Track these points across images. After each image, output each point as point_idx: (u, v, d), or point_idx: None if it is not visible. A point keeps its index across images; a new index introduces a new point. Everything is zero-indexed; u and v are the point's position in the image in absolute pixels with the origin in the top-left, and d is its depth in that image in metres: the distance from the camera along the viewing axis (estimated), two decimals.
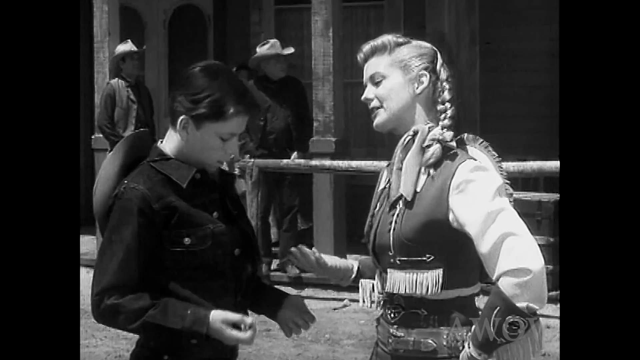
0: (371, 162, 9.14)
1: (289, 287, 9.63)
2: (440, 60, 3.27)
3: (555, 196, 8.91)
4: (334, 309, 9.15)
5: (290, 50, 10.25)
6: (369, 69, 3.27)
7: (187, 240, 3.23)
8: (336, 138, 9.82)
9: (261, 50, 10.12)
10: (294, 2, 12.32)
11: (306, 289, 9.75)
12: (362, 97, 3.29)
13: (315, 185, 9.93)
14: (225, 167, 3.46)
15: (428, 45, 3.30)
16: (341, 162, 9.38)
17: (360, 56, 3.29)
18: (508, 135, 10.38)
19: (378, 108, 3.26)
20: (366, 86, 3.29)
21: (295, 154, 9.90)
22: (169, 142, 3.34)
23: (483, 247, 3.03)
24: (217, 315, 3.21)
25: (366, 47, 3.28)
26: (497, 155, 3.24)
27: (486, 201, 3.05)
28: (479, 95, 11.24)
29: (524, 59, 11.02)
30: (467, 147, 3.23)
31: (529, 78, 10.93)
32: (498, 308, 2.99)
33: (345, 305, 9.23)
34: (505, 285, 2.98)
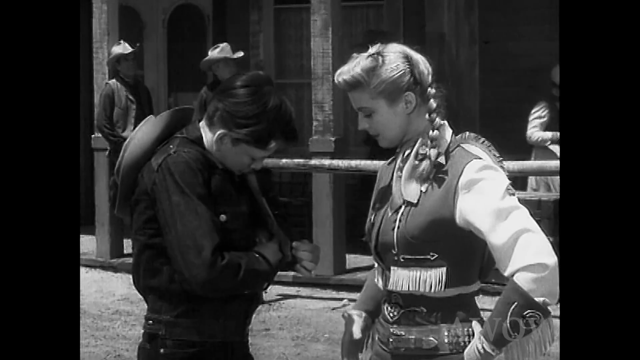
0: (371, 161, 9.14)
1: (289, 287, 9.63)
2: (420, 68, 3.20)
3: (555, 195, 8.90)
4: (333, 309, 9.16)
5: (240, 54, 10.41)
6: (353, 101, 3.23)
7: (222, 217, 3.23)
8: (335, 137, 9.82)
9: (212, 54, 10.31)
10: (293, 2, 12.32)
11: (305, 289, 9.75)
12: (359, 128, 3.27)
13: (315, 185, 9.93)
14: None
15: (399, 53, 3.20)
16: (341, 161, 9.37)
17: (337, 84, 3.24)
18: (508, 135, 10.38)
19: (377, 135, 3.25)
20: (357, 113, 3.26)
21: None
22: (205, 126, 3.35)
23: (497, 243, 3.04)
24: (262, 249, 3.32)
25: (340, 80, 3.22)
26: (498, 155, 3.24)
27: (497, 198, 3.06)
28: (478, 95, 11.23)
29: (524, 59, 11.02)
30: (468, 145, 3.22)
31: (528, 78, 10.93)
32: (516, 303, 3.00)
33: (344, 305, 9.23)
34: (522, 280, 2.99)
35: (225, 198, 3.25)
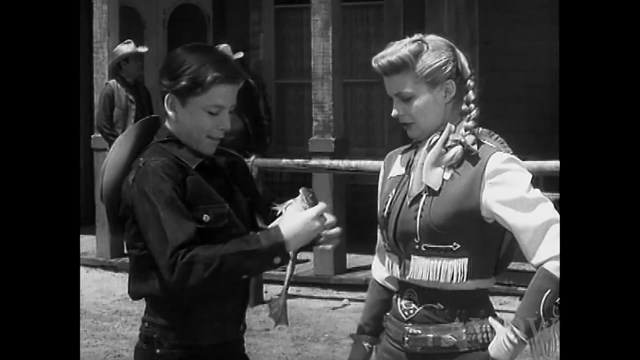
0: (371, 161, 9.14)
1: (289, 287, 9.61)
2: (461, 59, 3.24)
3: (555, 196, 8.90)
4: (334, 309, 9.16)
5: (240, 54, 10.41)
6: (392, 85, 3.20)
7: (205, 217, 3.20)
8: (335, 138, 9.82)
9: None
10: (293, 2, 12.32)
11: (305, 288, 9.75)
12: (393, 114, 3.24)
13: (315, 185, 9.93)
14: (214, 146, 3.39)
15: (446, 44, 3.23)
16: (341, 161, 9.38)
17: (377, 68, 3.19)
18: (508, 135, 10.37)
19: (411, 123, 3.23)
20: (387, 96, 3.23)
21: (254, 156, 9.90)
22: (169, 126, 3.34)
23: (526, 232, 3.06)
24: (287, 217, 3.18)
25: (383, 62, 3.17)
26: (511, 151, 3.25)
27: (524, 190, 3.10)
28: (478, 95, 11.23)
29: (524, 59, 11.02)
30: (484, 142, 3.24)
31: (528, 78, 10.93)
32: (549, 290, 3.03)
33: (344, 305, 9.23)
34: (555, 268, 3.04)
35: (205, 197, 3.21)
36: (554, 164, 8.01)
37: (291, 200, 3.29)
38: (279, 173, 11.40)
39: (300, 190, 3.27)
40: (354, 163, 9.27)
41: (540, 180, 9.93)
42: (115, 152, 3.34)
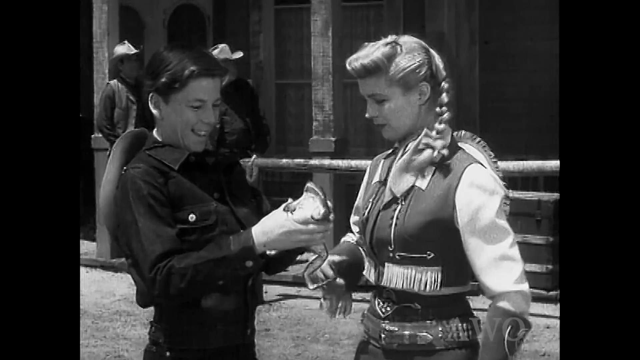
0: (371, 161, 9.12)
1: (289, 287, 9.63)
2: (435, 61, 3.21)
3: (555, 196, 8.91)
4: None
5: (239, 54, 10.41)
6: (366, 87, 3.20)
7: (192, 217, 3.19)
8: (335, 138, 9.82)
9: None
10: (293, 2, 12.33)
11: (305, 289, 9.73)
12: (367, 116, 3.24)
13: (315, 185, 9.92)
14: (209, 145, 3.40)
15: (420, 46, 3.20)
16: (341, 161, 9.38)
17: (350, 70, 3.19)
18: (508, 135, 10.39)
19: (385, 125, 3.22)
20: (363, 96, 3.23)
21: (254, 156, 9.91)
22: (157, 130, 3.35)
23: (479, 259, 3.10)
24: (261, 223, 3.15)
25: (356, 65, 3.16)
26: (493, 155, 3.24)
27: (492, 214, 3.10)
28: (478, 95, 11.24)
29: (524, 59, 11.03)
30: (466, 145, 3.23)
31: (528, 78, 10.94)
32: (510, 327, 3.08)
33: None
34: (508, 303, 3.09)
35: (189, 197, 3.20)
36: (554, 164, 8.00)
37: (301, 198, 3.24)
38: (279, 173, 11.41)
39: (307, 186, 3.24)
40: (354, 163, 9.27)
41: (540, 180, 9.95)
42: (107, 170, 3.35)
